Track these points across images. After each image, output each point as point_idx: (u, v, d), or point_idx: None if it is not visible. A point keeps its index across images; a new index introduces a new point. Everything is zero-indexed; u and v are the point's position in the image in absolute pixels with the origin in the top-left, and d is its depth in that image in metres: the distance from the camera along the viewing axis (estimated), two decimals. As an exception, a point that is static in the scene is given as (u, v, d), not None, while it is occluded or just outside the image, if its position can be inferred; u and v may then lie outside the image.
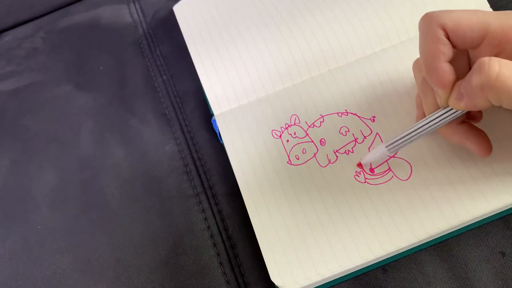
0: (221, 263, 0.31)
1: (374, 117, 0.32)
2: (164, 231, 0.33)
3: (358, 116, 0.33)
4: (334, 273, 0.28)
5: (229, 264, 0.31)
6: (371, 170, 0.31)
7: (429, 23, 0.26)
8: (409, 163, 0.30)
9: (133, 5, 0.44)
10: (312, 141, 0.32)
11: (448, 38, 0.26)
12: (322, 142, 0.32)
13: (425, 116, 0.28)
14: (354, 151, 0.31)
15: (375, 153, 0.30)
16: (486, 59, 0.24)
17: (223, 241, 0.32)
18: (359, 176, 0.31)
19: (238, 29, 0.37)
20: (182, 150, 0.36)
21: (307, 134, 0.33)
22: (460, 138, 0.28)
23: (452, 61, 0.26)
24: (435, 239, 0.29)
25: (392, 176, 0.30)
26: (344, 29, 0.35)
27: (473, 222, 0.29)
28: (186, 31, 0.38)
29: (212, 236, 0.32)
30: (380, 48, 0.34)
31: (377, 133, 0.32)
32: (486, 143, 0.28)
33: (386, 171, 0.30)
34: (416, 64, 0.30)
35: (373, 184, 0.30)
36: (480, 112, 0.29)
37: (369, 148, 0.31)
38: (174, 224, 0.33)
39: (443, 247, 0.29)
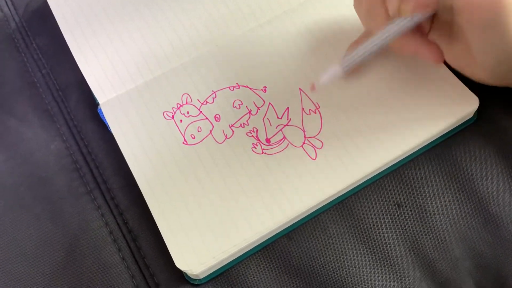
0: (123, 258, 0.29)
1: (265, 87, 0.32)
2: (58, 235, 0.30)
3: (250, 88, 0.32)
4: (239, 247, 0.27)
5: (133, 258, 0.29)
6: (267, 140, 0.30)
7: None
8: (303, 130, 0.30)
9: (2, -2, 0.40)
10: (207, 118, 0.31)
11: None
12: (216, 118, 0.31)
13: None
14: (249, 123, 0.31)
15: (330, 72, 0.29)
16: None
17: (123, 236, 0.30)
18: (256, 148, 0.30)
19: (117, 12, 0.35)
20: (70, 146, 0.33)
21: (201, 111, 0.32)
22: (413, 47, 0.28)
23: None
24: (335, 199, 0.29)
25: (288, 144, 0.30)
26: (227, 3, 0.34)
27: (368, 178, 0.29)
28: (61, 19, 0.35)
29: (111, 232, 0.30)
30: (264, 20, 0.34)
31: (269, 103, 0.31)
32: (438, 50, 0.28)
33: (281, 140, 0.30)
34: None
35: (270, 154, 0.30)
36: (429, 23, 0.29)
37: (263, 119, 0.31)
38: (68, 226, 0.30)
39: (343, 206, 0.30)
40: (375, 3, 0.28)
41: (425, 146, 0.30)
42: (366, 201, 0.30)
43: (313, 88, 0.30)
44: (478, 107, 0.30)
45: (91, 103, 0.34)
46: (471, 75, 0.28)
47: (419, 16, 0.26)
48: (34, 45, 0.38)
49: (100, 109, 0.32)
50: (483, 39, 0.26)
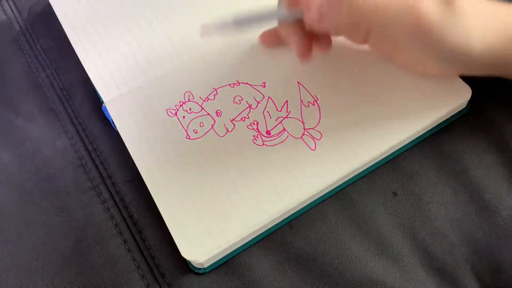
0: (129, 250, 0.30)
1: (264, 83, 0.33)
2: (65, 228, 0.31)
3: (250, 84, 0.33)
4: (242, 236, 0.28)
5: (138, 250, 0.30)
6: (268, 132, 0.31)
7: None
8: (302, 122, 0.31)
9: (5, 2, 0.41)
10: (208, 114, 0.32)
11: None
12: (218, 114, 0.32)
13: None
14: (249, 117, 0.32)
15: (222, 20, 0.30)
16: None
17: (128, 228, 0.31)
18: (257, 140, 0.31)
19: (120, 12, 0.36)
20: (75, 143, 0.34)
21: (203, 108, 0.33)
22: (288, 34, 0.31)
23: None
24: (334, 188, 0.30)
25: (288, 135, 0.31)
26: (227, 4, 0.36)
27: (365, 167, 0.30)
28: (64, 20, 0.36)
29: (116, 225, 0.31)
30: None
31: (269, 97, 0.32)
32: (308, 50, 0.31)
33: (281, 131, 0.31)
34: None
35: (271, 146, 0.31)
36: (328, 42, 0.31)
37: (263, 112, 0.32)
38: (75, 219, 0.31)
39: (342, 195, 0.30)
40: None
41: (420, 136, 0.31)
42: (364, 190, 0.31)
43: (203, 31, 0.30)
44: (471, 98, 0.31)
45: (95, 101, 0.35)
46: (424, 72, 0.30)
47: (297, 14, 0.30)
48: (38, 46, 0.38)
49: (105, 107, 0.33)
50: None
